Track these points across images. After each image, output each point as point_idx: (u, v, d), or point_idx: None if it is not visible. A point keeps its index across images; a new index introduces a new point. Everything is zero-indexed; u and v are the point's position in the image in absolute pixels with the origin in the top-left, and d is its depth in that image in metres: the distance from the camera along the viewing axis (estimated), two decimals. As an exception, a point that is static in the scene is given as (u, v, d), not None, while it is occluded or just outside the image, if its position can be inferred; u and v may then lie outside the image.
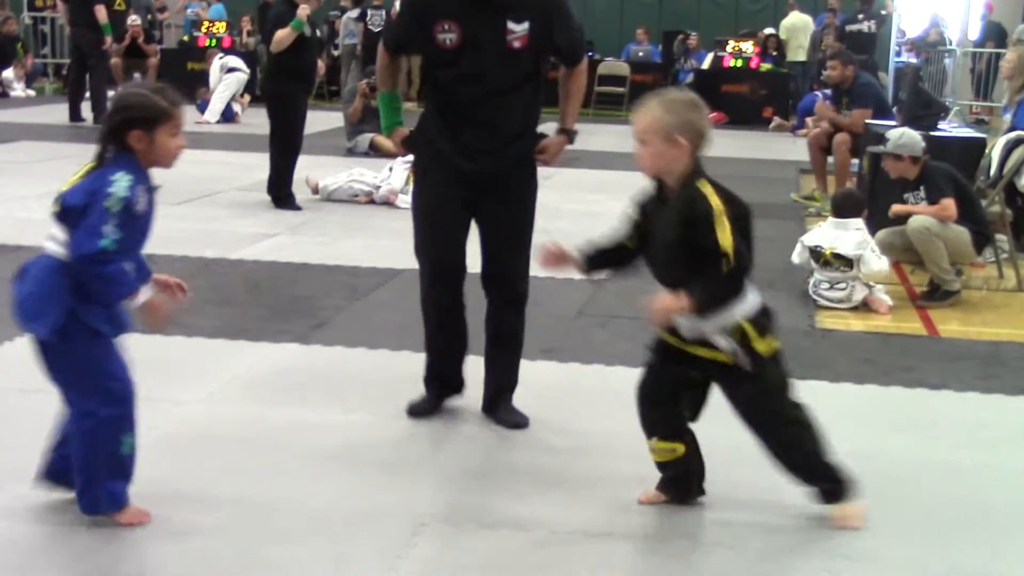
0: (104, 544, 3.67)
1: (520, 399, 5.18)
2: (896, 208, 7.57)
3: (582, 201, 10.77)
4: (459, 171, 4.77)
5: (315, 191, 10.53)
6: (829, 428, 4.98)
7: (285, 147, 10.04)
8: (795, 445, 3.95)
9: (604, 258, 4.11)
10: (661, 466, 4.06)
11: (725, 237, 3.68)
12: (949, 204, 7.35)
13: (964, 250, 7.50)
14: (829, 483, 3.99)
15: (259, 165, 11.03)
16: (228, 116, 17.32)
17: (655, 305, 3.72)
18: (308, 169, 10.87)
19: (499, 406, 4.98)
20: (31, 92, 20.97)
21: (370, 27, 21.26)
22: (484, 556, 3.72)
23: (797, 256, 7.45)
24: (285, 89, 9.92)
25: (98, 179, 3.57)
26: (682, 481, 4.08)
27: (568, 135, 5.07)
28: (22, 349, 5.69)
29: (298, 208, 9.94)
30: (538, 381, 5.48)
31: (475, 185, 4.83)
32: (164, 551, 3.65)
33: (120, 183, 3.54)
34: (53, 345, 3.60)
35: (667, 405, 4.00)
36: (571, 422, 5.00)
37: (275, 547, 3.70)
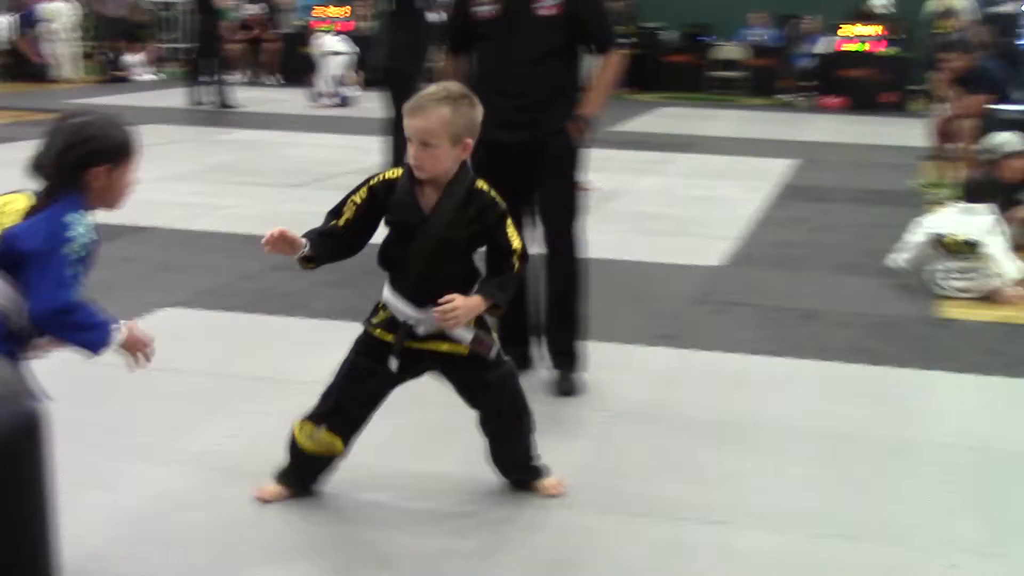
0: (228, 515, 3.74)
1: (636, 384, 5.17)
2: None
3: (700, 187, 10.67)
4: (494, 143, 4.67)
5: None
6: (952, 420, 4.92)
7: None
8: (522, 436, 3.93)
9: (327, 244, 3.73)
10: (307, 456, 3.85)
11: (516, 236, 3.68)
12: None
13: None
14: (529, 475, 3.98)
15: (375, 148, 11.12)
16: (343, 101, 17.48)
17: (456, 308, 3.53)
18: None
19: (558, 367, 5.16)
20: (154, 76, 21.39)
21: None
22: (599, 540, 3.72)
23: (914, 235, 7.26)
24: (402, 68, 9.95)
25: (52, 222, 3.12)
26: (308, 475, 3.91)
27: (580, 121, 5.06)
28: (154, 325, 5.83)
29: None
30: (655, 367, 5.47)
31: (515, 157, 4.94)
32: (290, 529, 3.70)
33: (80, 227, 3.14)
34: None
35: (365, 406, 3.85)
36: (686, 408, 4.96)
37: (407, 525, 3.73)
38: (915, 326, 6.36)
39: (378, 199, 3.70)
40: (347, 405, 3.82)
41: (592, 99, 5.10)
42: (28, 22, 20.61)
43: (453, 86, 3.78)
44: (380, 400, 3.86)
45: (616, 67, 5.13)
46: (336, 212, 3.74)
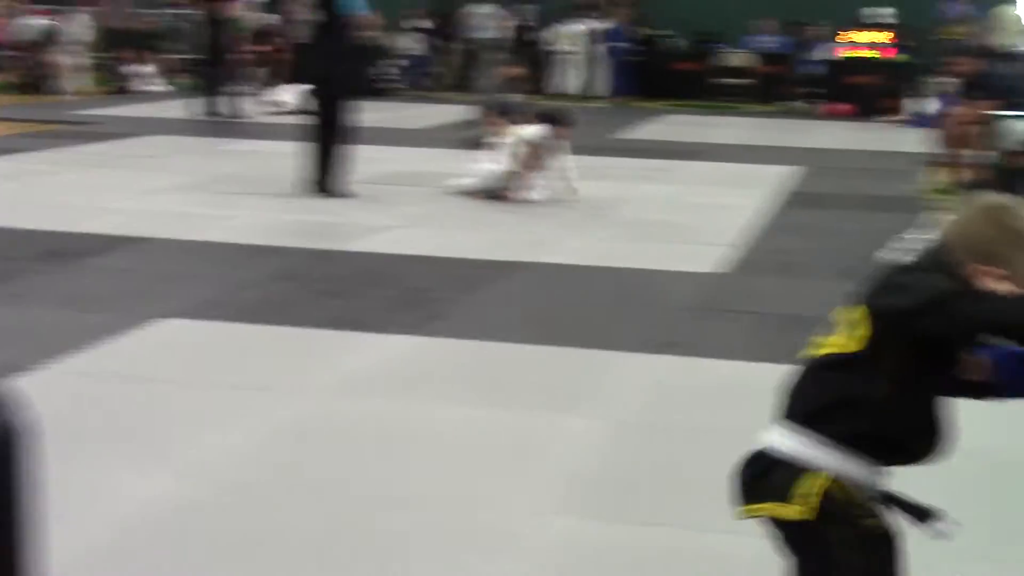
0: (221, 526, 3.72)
1: (638, 392, 5.15)
2: None
3: (704, 194, 10.64)
4: None
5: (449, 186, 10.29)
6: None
7: (333, 134, 10.02)
8: None
9: None
10: None
11: None
12: None
13: None
14: None
15: (379, 158, 11.14)
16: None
17: None
18: (427, 161, 10.92)
19: None
20: (164, 88, 21.41)
21: (523, 23, 21.52)
22: (597, 551, 3.69)
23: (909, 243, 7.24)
24: (329, 76, 9.93)
25: None
26: None
27: None
28: (151, 336, 5.82)
29: (352, 196, 9.92)
30: (657, 375, 5.44)
31: None
32: (287, 550, 3.68)
33: None
34: None
35: None
36: (688, 416, 4.94)
37: (392, 536, 3.71)
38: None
39: None
40: None
41: None
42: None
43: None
44: None
45: None
46: None
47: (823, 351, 2.56)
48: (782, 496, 2.48)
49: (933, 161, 12.24)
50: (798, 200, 10.53)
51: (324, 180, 10.06)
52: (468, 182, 10.18)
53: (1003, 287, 2.45)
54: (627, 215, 9.57)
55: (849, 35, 20.08)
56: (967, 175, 10.71)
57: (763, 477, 2.54)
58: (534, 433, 4.70)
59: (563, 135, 10.12)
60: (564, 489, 4.13)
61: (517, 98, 14.03)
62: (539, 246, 8.11)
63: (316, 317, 6.24)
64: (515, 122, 13.62)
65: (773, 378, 5.37)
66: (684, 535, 3.80)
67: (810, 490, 2.46)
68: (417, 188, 10.33)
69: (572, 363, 5.57)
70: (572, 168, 10.16)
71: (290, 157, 12.69)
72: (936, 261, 2.53)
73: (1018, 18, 17.09)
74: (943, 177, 11.36)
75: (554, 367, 5.51)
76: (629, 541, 3.76)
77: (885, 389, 2.47)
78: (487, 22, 21.38)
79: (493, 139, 13.03)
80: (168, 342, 5.80)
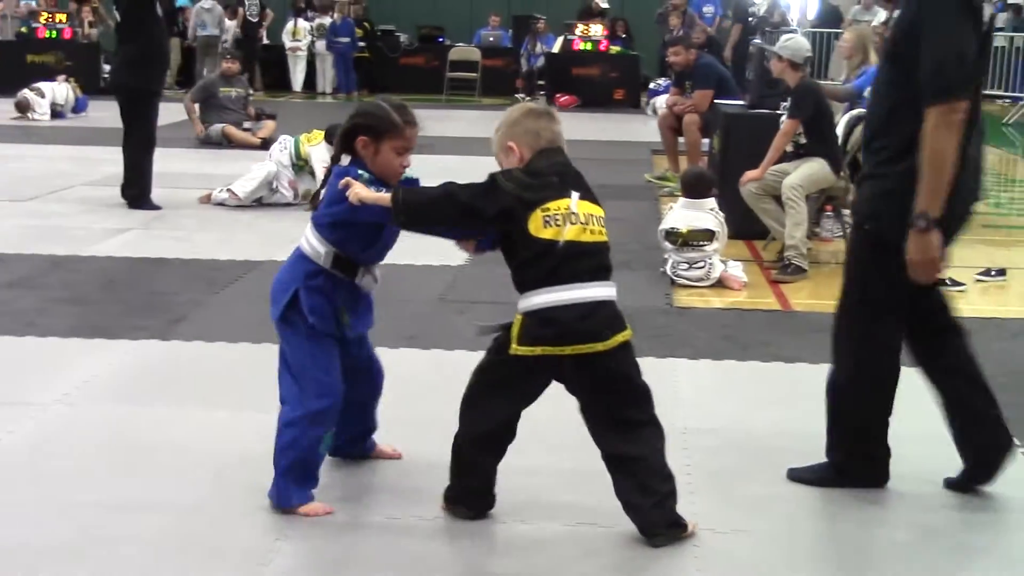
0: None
1: (390, 386, 5.19)
2: (748, 175, 7.92)
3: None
4: None
5: (207, 200, 9.76)
6: (692, 404, 5.11)
7: (142, 143, 9.57)
8: None
9: None
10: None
11: None
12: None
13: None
14: None
15: (108, 159, 10.81)
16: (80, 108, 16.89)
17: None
18: (161, 161, 10.61)
19: None
20: None
21: (249, 18, 21.14)
22: (348, 553, 3.72)
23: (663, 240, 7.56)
24: (140, 80, 9.51)
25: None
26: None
27: None
28: None
29: (158, 208, 9.49)
30: (402, 368, 5.49)
31: None
32: (30, 561, 3.57)
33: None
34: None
35: None
36: (434, 409, 5.00)
37: (141, 549, 3.65)
38: (652, 315, 6.58)
39: None
40: None
41: None
42: None
43: None
44: None
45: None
46: None
47: (601, 238, 3.87)
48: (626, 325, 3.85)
49: (658, 149, 12.73)
50: (532, 191, 10.75)
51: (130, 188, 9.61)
52: (244, 189, 9.66)
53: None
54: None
55: (575, 28, 20.67)
56: (685, 162, 11.17)
57: (617, 316, 3.85)
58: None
59: None
60: (317, 491, 4.13)
61: (238, 94, 13.90)
62: (281, 245, 8.02)
63: (56, 326, 6.04)
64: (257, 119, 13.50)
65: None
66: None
67: None
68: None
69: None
70: None
71: (11, 160, 12.24)
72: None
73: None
74: (666, 164, 11.82)
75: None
76: (368, 544, 3.80)
77: None
78: (209, 18, 21.09)
79: (243, 140, 12.84)
80: None
